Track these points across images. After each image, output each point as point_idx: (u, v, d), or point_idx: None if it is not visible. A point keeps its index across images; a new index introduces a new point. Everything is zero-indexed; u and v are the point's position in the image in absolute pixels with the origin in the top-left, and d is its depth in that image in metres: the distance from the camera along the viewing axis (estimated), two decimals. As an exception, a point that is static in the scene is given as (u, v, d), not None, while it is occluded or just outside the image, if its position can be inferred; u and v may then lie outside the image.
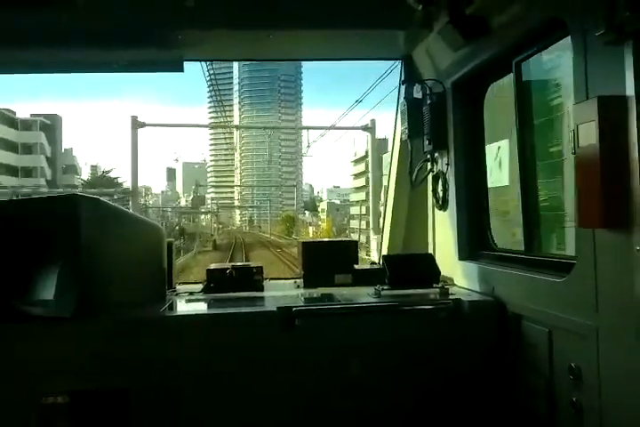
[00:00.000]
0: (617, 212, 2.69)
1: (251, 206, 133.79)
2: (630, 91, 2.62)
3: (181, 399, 3.67)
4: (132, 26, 4.34)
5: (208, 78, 25.48)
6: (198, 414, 3.67)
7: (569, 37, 3.10)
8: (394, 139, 5.72)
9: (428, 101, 4.84)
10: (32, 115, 73.63)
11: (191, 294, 4.61)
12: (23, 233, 3.55)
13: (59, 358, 3.53)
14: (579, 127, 2.87)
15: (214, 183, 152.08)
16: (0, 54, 4.63)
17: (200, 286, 4.69)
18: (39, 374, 3.51)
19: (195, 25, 4.40)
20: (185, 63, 4.93)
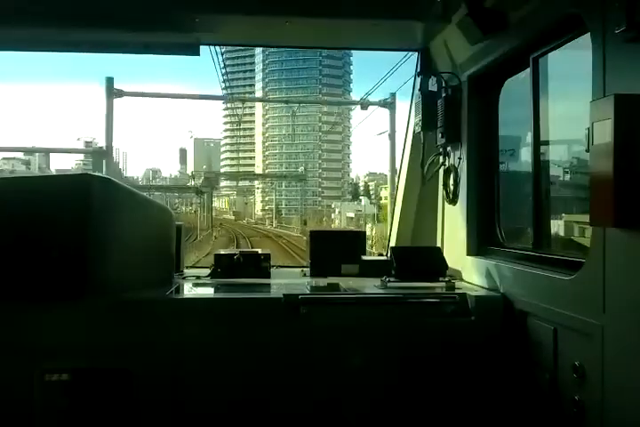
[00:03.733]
0: (629, 212, 2.67)
1: (279, 177, 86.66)
2: None
3: (184, 382, 3.70)
4: (148, 8, 4.34)
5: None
6: (200, 397, 3.70)
7: (588, 34, 3.07)
8: (407, 131, 5.70)
9: (443, 94, 4.80)
10: None
11: (198, 278, 4.65)
12: (33, 211, 3.57)
13: (63, 336, 3.56)
14: (594, 125, 2.84)
15: (228, 156, 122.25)
16: (16, 33, 4.65)
17: (208, 271, 4.73)
18: (43, 351, 3.55)
19: (212, 9, 4.39)
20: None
